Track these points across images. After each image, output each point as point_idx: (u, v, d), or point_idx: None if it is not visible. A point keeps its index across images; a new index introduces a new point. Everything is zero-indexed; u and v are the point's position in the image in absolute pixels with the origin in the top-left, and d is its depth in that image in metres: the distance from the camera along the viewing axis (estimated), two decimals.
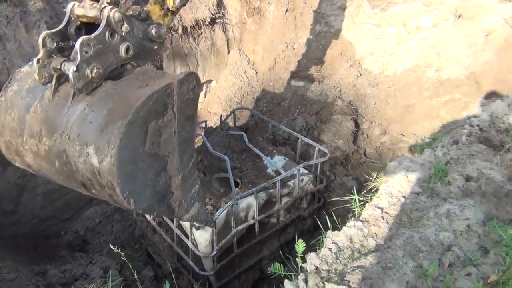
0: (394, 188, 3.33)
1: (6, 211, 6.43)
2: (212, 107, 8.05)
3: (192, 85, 2.85)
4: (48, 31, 2.78)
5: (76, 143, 2.59)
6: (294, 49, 7.82)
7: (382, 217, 3.09)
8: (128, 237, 6.40)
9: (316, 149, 5.28)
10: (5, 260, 5.06)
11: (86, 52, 2.64)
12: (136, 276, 3.33)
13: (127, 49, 2.83)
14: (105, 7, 2.70)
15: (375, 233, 2.97)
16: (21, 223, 6.57)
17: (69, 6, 2.81)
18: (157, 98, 2.64)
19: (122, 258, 3.23)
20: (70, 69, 2.61)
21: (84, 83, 2.68)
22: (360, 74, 7.13)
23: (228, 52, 8.39)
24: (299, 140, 5.53)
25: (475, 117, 4.10)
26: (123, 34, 2.76)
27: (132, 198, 2.70)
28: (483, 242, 2.77)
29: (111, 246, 3.33)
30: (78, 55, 2.61)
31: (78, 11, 2.79)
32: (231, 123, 6.53)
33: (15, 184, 6.47)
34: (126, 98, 2.62)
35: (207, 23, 7.85)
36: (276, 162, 5.51)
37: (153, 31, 2.96)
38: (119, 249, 3.36)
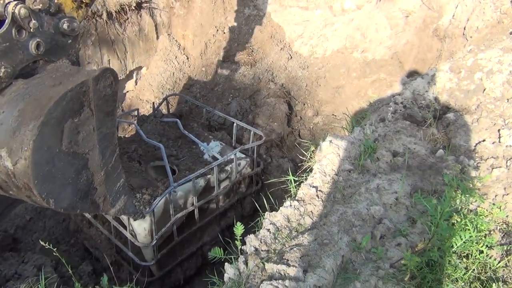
0: (327, 167, 3.44)
1: None
2: (144, 95, 7.85)
3: (109, 81, 2.79)
4: None
5: None
6: (224, 33, 7.78)
7: (317, 196, 3.20)
8: (62, 233, 6.15)
9: (252, 132, 5.35)
10: None
11: None
12: (71, 272, 3.22)
13: (38, 46, 2.73)
14: (9, 2, 2.55)
15: (311, 211, 3.07)
16: None
17: None
18: (71, 97, 2.56)
19: (55, 254, 3.11)
20: None
21: None
22: (291, 57, 7.24)
23: (157, 37, 8.16)
24: (235, 124, 5.56)
25: (399, 95, 4.32)
26: (31, 30, 2.64)
27: (52, 198, 2.65)
28: (411, 213, 2.96)
29: (42, 243, 3.18)
30: None
31: None
32: (164, 110, 6.42)
33: None
34: (38, 98, 2.53)
35: (133, 8, 7.56)
36: (212, 147, 5.50)
37: (65, 25, 2.85)
38: (52, 246, 3.23)
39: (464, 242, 2.52)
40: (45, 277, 3.62)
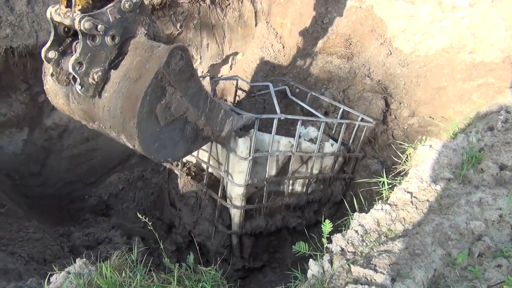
0: (424, 173, 3.26)
1: (33, 173, 6.56)
2: None
3: (178, 56, 2.98)
4: (44, 48, 2.93)
5: (112, 131, 3.08)
6: (323, 24, 7.64)
7: (411, 202, 3.04)
8: (150, 205, 6.48)
9: (359, 118, 5.51)
10: (32, 220, 5.19)
11: (80, 68, 2.84)
12: (161, 246, 3.37)
13: (113, 38, 2.94)
14: (75, 17, 2.74)
15: (404, 218, 2.93)
16: (47, 185, 6.72)
17: (48, 14, 2.90)
18: (152, 90, 2.90)
19: (150, 228, 3.26)
20: (76, 87, 2.90)
21: (93, 89, 2.96)
22: (390, 53, 6.94)
23: (256, 24, 8.23)
24: (341, 109, 5.58)
25: None
26: (101, 33, 2.84)
27: (169, 157, 3.38)
28: None
29: (139, 215, 3.36)
30: (76, 76, 2.84)
31: (57, 18, 2.87)
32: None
33: (42, 147, 6.58)
34: (128, 96, 2.91)
35: None
36: (309, 132, 5.52)
37: (126, 5, 2.97)
38: (144, 217, 3.39)
39: None
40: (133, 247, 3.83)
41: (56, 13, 2.85)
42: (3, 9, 5.56)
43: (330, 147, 5.40)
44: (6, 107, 5.98)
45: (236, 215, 5.10)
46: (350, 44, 7.24)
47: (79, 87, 2.88)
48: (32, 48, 5.80)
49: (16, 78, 5.92)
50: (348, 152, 5.63)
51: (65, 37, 2.98)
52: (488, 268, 2.52)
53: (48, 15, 2.88)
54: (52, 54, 2.93)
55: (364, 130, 5.54)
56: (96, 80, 2.90)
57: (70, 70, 2.80)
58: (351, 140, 5.65)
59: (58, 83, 3.03)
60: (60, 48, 2.98)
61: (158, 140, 3.11)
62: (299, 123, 4.85)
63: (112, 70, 2.98)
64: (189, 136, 3.39)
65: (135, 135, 2.91)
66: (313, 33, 7.66)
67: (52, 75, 2.98)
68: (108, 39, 2.90)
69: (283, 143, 4.98)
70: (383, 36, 7.16)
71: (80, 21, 2.69)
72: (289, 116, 4.76)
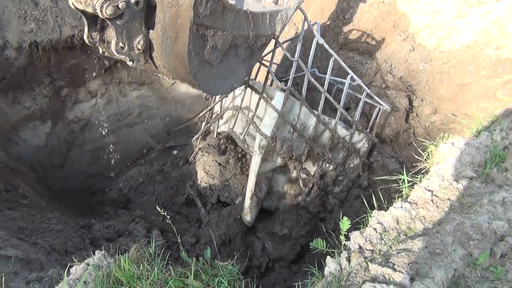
0: (446, 171, 3.19)
1: (56, 166, 6.68)
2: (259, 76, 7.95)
3: (204, 2, 2.89)
4: (85, 35, 3.07)
5: (176, 80, 3.28)
6: (344, 19, 7.55)
7: (432, 200, 2.98)
8: (169, 199, 6.53)
9: (377, 108, 5.67)
10: (54, 211, 5.28)
11: (123, 47, 2.97)
12: (179, 240, 3.38)
13: (137, 3, 2.95)
14: (96, 6, 2.79)
15: (423, 216, 2.88)
16: (69, 178, 6.83)
17: (70, 3, 2.97)
18: (193, 44, 2.93)
19: (168, 221, 3.28)
20: (128, 63, 3.07)
21: (143, 57, 3.08)
22: (413, 49, 6.82)
23: None
24: (363, 94, 5.66)
25: None
26: (125, 8, 2.87)
27: (235, 84, 3.60)
28: None
29: (158, 208, 3.39)
30: (124, 56, 2.98)
31: (79, 6, 2.92)
32: None
33: (64, 140, 6.69)
34: (176, 55, 2.98)
35: None
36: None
37: None
38: (163, 210, 3.41)
39: None
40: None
41: (77, 2, 2.90)
42: (28, 4, 5.65)
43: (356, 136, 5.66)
44: (30, 101, 6.10)
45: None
46: (372, 39, 7.14)
47: (131, 62, 3.03)
48: (55, 42, 5.89)
49: (40, 72, 6.03)
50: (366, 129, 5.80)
51: (95, 15, 3.02)
52: (511, 269, 2.46)
53: (71, 5, 2.95)
54: (94, 36, 3.04)
55: (380, 112, 5.70)
56: (141, 48, 3.00)
57: (116, 55, 2.91)
58: (369, 127, 5.81)
59: (113, 57, 3.15)
60: (97, 27, 3.08)
61: (218, 78, 3.28)
62: (331, 60, 5.16)
63: (151, 31, 3.03)
64: (245, 56, 3.49)
65: (196, 85, 3.11)
66: (334, 28, 7.58)
67: (103, 52, 3.11)
68: (133, 8, 2.93)
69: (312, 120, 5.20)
70: (405, 31, 7.03)
71: (101, 10, 2.75)
72: (327, 46, 5.09)
